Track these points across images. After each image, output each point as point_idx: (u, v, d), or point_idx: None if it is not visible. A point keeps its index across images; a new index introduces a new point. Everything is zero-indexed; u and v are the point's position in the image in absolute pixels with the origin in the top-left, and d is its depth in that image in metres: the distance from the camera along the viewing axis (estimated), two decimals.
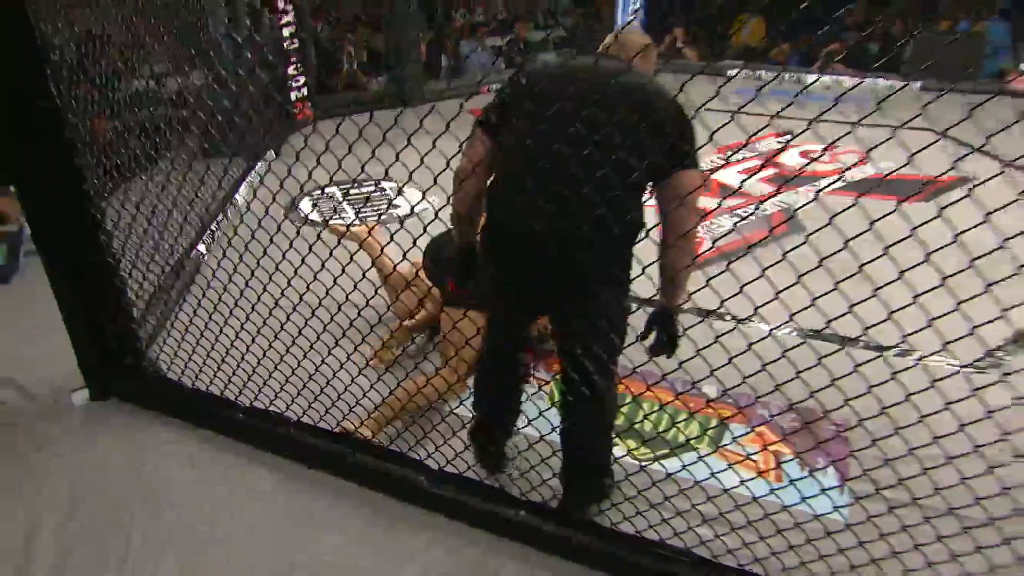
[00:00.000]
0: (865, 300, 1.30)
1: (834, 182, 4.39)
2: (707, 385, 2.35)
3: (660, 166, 1.56)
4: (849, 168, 4.47)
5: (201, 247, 3.38)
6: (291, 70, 5.20)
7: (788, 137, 5.08)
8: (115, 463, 2.21)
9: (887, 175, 1.69)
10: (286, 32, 5.10)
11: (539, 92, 1.60)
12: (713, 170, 4.50)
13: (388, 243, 1.84)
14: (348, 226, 2.19)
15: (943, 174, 1.52)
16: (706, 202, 4.18)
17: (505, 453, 2.12)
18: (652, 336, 1.71)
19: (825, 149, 1.52)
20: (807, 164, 1.59)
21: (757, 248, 2.63)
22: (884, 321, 1.31)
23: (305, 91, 5.38)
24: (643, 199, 1.66)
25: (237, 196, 4.07)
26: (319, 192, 4.34)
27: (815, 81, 6.31)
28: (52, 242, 2.21)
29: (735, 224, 3.85)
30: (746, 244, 3.49)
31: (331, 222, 2.33)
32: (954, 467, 1.45)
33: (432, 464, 2.00)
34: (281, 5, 5.00)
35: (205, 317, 2.21)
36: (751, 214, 3.96)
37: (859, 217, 1.26)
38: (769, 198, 4.11)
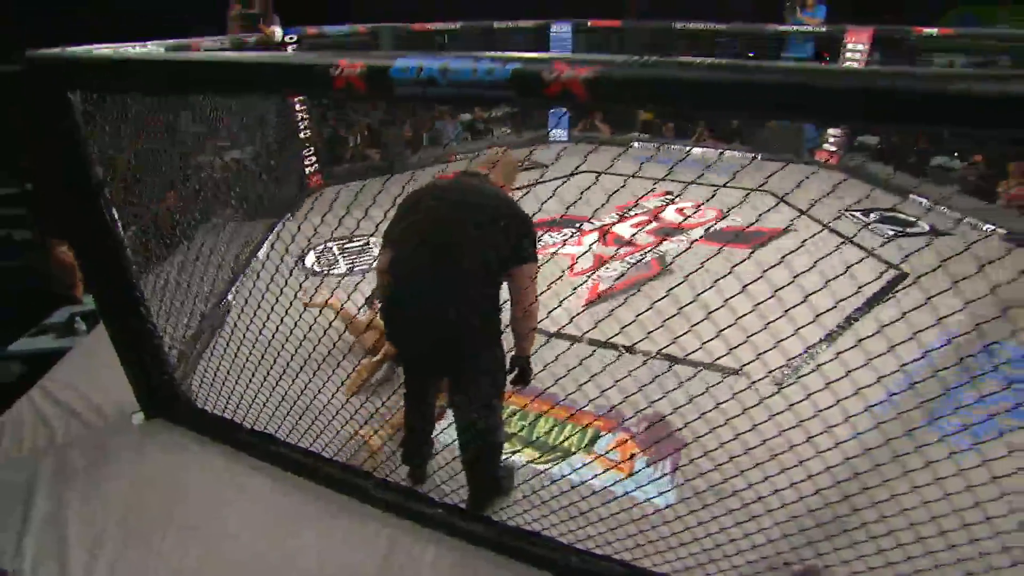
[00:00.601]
0: (711, 339, 1.42)
1: (708, 230, 4.47)
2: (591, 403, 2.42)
3: (507, 262, 1.59)
4: (707, 222, 4.55)
5: (230, 296, 3.36)
6: (305, 152, 5.17)
7: (669, 196, 5.14)
8: (160, 471, 2.23)
9: (747, 227, 1.66)
10: (302, 125, 5.08)
11: (417, 210, 1.63)
12: (611, 224, 4.54)
13: (353, 290, 1.85)
14: (321, 295, 2.20)
15: (787, 228, 1.66)
16: (603, 250, 4.20)
17: (426, 471, 2.11)
18: (515, 372, 1.77)
19: (698, 207, 1.64)
20: (683, 220, 1.71)
21: (639, 289, 2.62)
22: (726, 355, 1.44)
23: (317, 166, 5.34)
24: (499, 282, 1.66)
25: (260, 252, 4.03)
26: (322, 247, 4.31)
27: (687, 153, 6.41)
28: (110, 314, 2.22)
29: (623, 271, 3.89)
30: (631, 285, 3.54)
31: (306, 298, 2.25)
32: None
33: (378, 474, 2.04)
34: (298, 107, 4.96)
35: (220, 360, 2.22)
36: (638, 261, 4.01)
37: (714, 261, 1.39)
38: (654, 247, 4.17)
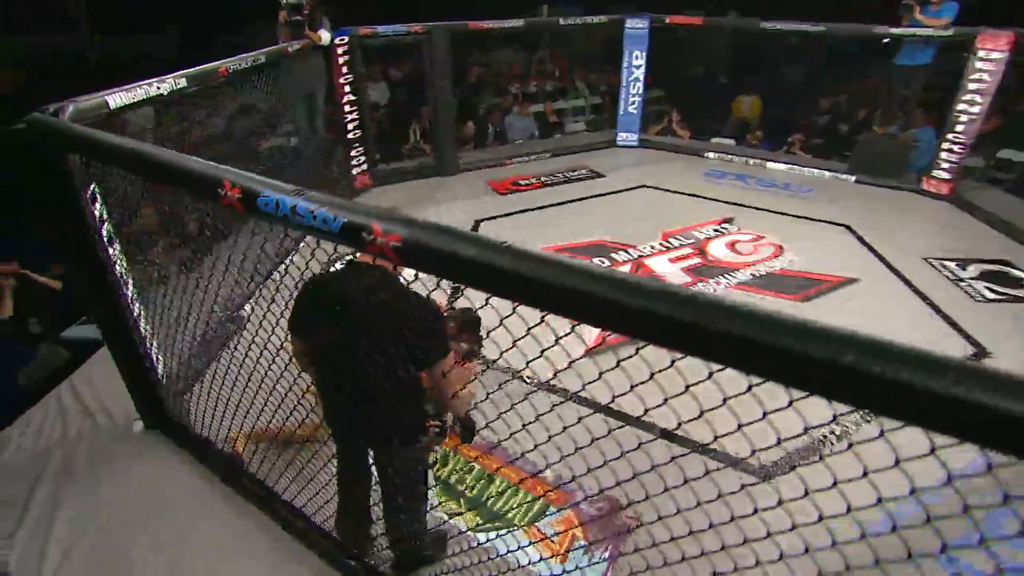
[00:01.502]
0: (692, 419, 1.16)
1: (754, 276, 4.28)
2: (550, 470, 2.51)
3: (422, 360, 1.68)
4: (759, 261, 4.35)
5: (247, 308, 3.75)
6: (353, 152, 5.53)
7: (726, 226, 4.95)
8: (145, 482, 2.61)
9: (799, 272, 1.16)
10: (351, 125, 5.44)
11: (320, 309, 1.73)
12: (644, 257, 4.48)
13: None
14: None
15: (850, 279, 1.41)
16: None
17: (369, 537, 2.15)
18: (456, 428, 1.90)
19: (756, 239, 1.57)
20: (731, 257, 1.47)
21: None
22: (722, 436, 1.13)
23: (365, 166, 5.69)
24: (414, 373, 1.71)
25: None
26: (350, 257, 4.61)
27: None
28: (107, 334, 2.64)
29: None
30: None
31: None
32: None
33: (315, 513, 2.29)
34: (347, 108, 5.32)
35: (211, 381, 2.51)
36: None
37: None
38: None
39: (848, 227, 4.88)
